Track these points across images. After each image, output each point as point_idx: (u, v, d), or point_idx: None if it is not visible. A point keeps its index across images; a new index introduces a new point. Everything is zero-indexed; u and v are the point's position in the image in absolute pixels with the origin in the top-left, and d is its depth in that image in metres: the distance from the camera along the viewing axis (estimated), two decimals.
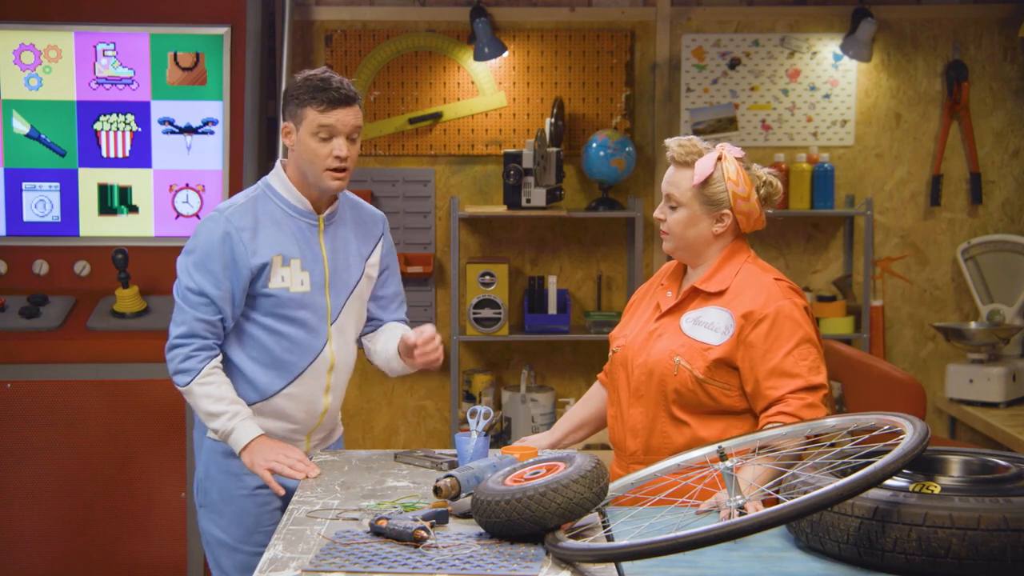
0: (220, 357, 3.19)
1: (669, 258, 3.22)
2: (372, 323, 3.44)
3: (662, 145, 3.50)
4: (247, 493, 3.23)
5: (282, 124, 3.19)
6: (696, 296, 3.09)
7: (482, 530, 2.60)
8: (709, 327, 3.02)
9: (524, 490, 2.52)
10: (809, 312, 3.05)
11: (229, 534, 3.24)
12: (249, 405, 3.20)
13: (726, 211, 3.06)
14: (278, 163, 3.25)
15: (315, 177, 3.16)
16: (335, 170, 3.14)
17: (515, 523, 2.52)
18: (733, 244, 3.11)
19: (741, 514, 2.52)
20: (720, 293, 3.05)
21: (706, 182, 3.04)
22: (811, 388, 2.94)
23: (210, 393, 3.14)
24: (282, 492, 3.07)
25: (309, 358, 3.23)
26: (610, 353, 3.22)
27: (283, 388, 3.22)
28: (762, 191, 3.08)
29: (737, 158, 3.07)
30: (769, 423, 2.91)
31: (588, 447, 4.93)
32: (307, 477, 3.08)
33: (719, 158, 3.05)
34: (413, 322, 3.43)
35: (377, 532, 2.60)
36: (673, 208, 3.08)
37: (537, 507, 2.49)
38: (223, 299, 3.13)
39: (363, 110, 3.23)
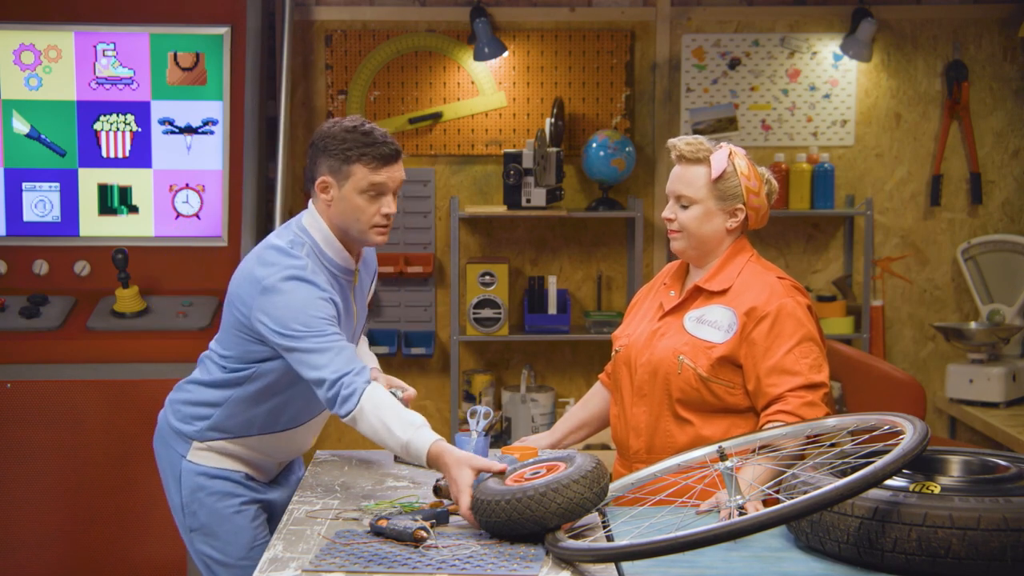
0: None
1: (669, 258, 3.23)
2: None
3: (662, 145, 3.50)
4: (235, 510, 3.15)
5: (318, 178, 2.98)
6: (699, 295, 3.09)
7: (482, 530, 2.61)
8: (712, 325, 3.03)
9: (524, 490, 2.52)
10: (812, 311, 3.06)
11: (228, 553, 3.16)
12: (238, 438, 3.13)
13: (740, 206, 3.07)
14: (315, 215, 3.03)
15: (359, 233, 2.99)
16: (382, 227, 3.01)
17: (515, 523, 2.52)
18: (736, 243, 3.11)
19: (741, 514, 2.52)
20: (723, 292, 3.05)
21: (721, 177, 3.05)
22: (811, 386, 2.94)
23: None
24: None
25: (321, 408, 3.13)
26: (613, 353, 3.22)
27: (283, 431, 3.12)
28: (765, 188, 3.12)
29: None
30: (769, 421, 2.91)
31: (588, 447, 4.93)
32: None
33: (730, 153, 3.07)
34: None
35: (377, 532, 2.60)
36: (684, 207, 3.09)
37: (537, 507, 2.50)
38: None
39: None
